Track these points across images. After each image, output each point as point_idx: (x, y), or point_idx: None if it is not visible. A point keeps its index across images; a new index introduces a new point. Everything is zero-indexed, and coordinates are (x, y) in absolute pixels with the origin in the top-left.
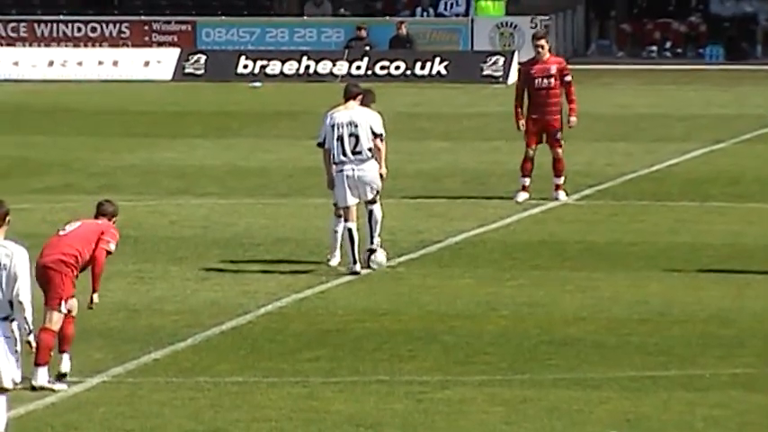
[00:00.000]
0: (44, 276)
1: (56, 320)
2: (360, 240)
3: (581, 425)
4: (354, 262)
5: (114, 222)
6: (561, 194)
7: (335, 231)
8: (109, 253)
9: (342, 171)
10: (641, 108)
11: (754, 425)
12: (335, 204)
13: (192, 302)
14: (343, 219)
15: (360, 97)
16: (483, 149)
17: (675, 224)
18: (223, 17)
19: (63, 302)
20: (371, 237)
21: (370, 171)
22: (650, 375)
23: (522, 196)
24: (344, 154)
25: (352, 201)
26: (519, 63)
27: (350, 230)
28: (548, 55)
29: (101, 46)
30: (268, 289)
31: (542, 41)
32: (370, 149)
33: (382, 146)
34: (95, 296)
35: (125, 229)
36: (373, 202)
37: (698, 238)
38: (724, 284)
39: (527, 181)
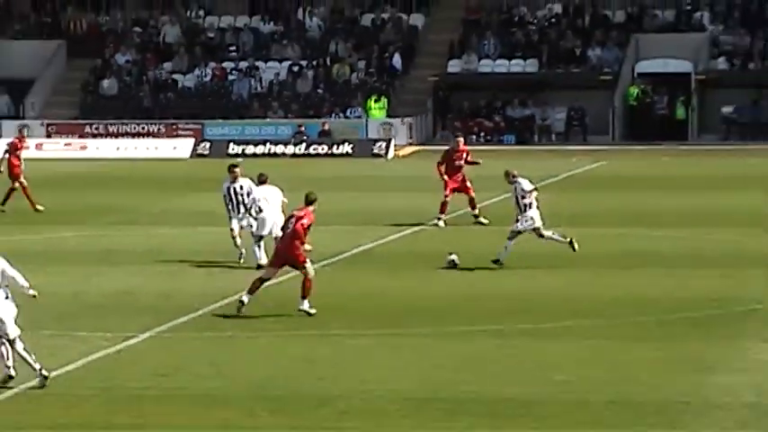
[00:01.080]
0: (286, 257)
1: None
2: None
3: None
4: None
5: (314, 206)
6: (483, 219)
7: None
8: (303, 227)
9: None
10: None
11: None
12: None
13: None
14: None
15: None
16: (376, 196)
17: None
18: (219, 120)
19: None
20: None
21: None
22: None
23: (442, 223)
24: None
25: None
26: (447, 149)
27: None
28: (462, 146)
29: (149, 137)
30: None
31: (461, 138)
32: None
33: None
34: (308, 246)
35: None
36: None
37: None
38: None
39: (443, 215)
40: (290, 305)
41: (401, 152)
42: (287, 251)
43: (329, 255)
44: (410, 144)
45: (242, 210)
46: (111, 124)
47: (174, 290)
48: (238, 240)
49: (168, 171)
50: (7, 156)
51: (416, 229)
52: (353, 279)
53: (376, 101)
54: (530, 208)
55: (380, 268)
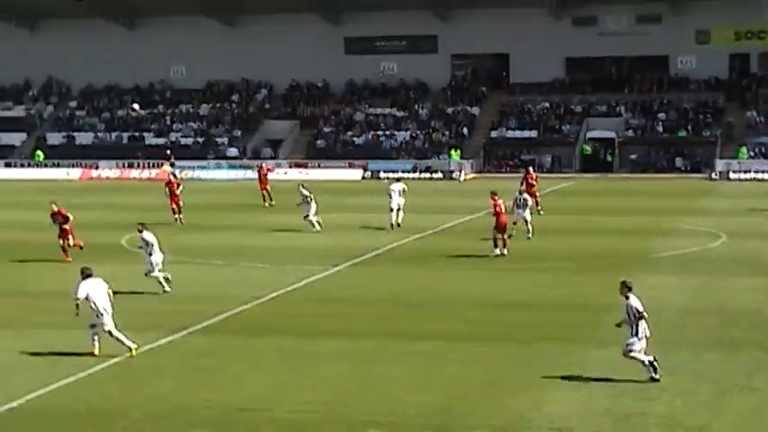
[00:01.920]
0: (500, 225)
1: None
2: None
3: None
4: None
5: (498, 195)
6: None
7: None
8: (504, 209)
9: None
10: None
11: None
12: None
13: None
14: None
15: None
16: (455, 199)
17: None
18: (375, 160)
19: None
20: None
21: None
22: None
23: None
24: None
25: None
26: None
27: None
28: (531, 172)
29: (339, 169)
30: None
31: (531, 168)
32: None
33: None
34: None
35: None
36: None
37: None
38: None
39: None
40: (411, 254)
41: (467, 177)
42: (501, 222)
43: (431, 227)
44: (472, 173)
45: (309, 208)
46: (321, 162)
47: (347, 245)
48: (316, 226)
49: (348, 186)
50: (258, 176)
51: (474, 215)
52: (445, 240)
53: (454, 150)
54: (525, 207)
55: (459, 235)
